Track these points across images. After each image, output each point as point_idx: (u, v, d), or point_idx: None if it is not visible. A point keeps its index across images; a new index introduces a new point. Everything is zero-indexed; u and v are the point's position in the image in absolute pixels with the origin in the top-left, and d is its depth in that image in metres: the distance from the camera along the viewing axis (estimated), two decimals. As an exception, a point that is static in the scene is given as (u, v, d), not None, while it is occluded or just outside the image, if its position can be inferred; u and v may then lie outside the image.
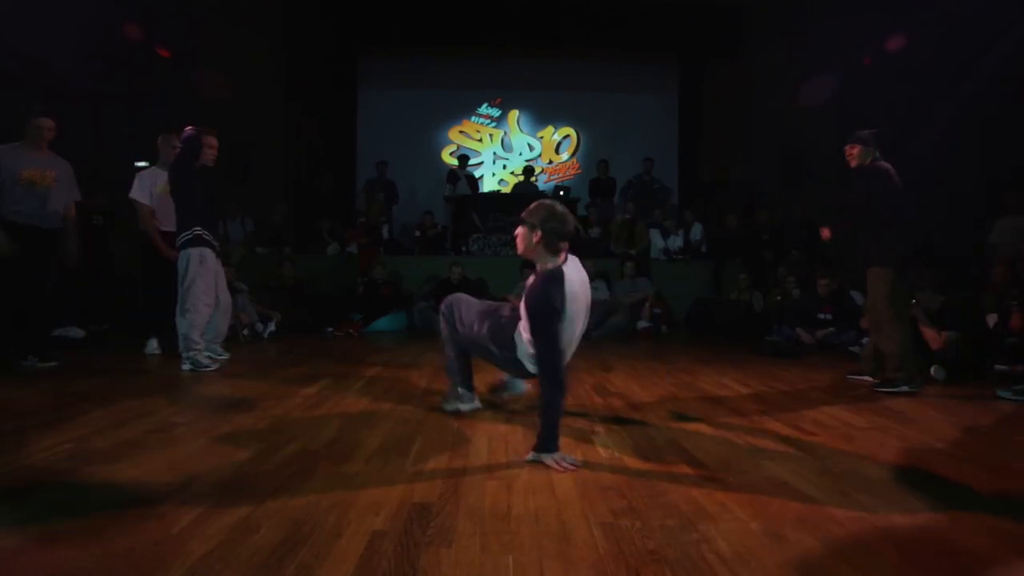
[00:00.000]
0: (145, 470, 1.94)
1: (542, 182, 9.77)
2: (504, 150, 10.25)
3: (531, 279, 2.36)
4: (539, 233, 2.27)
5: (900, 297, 3.52)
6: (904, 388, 3.39)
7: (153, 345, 4.65)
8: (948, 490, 1.86)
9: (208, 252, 4.05)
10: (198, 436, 2.34)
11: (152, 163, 4.62)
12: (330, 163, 9.39)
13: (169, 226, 4.25)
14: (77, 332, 5.24)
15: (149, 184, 4.45)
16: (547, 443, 2.06)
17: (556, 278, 2.22)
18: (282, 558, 1.35)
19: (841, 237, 3.86)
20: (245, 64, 8.00)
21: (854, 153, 3.65)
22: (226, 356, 4.38)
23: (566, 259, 2.34)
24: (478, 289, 7.00)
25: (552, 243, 2.28)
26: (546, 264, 2.30)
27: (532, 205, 2.35)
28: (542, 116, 10.21)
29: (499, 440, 2.35)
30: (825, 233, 3.84)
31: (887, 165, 3.55)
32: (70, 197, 4.11)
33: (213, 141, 4.09)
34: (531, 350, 2.35)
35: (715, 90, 9.66)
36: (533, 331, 2.22)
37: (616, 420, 2.72)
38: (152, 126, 4.70)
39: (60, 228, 4.04)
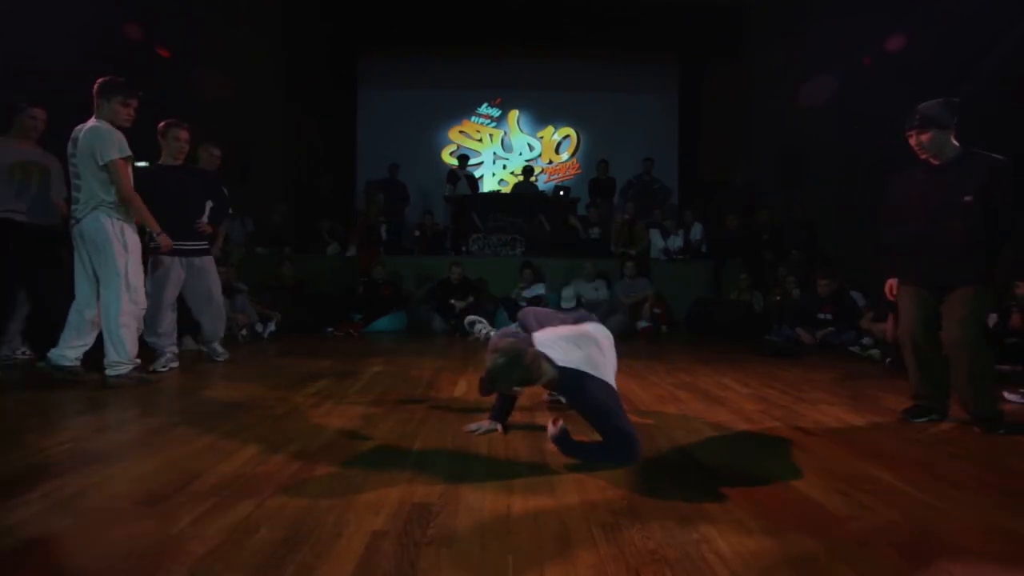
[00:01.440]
0: (145, 470, 1.94)
1: (542, 182, 9.78)
2: (504, 150, 10.25)
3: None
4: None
5: None
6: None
7: (189, 342, 4.79)
8: (948, 490, 1.86)
9: (164, 259, 3.88)
10: (198, 436, 2.33)
11: (150, 163, 4.65)
12: (330, 163, 9.39)
13: None
14: None
15: None
16: (567, 445, 2.02)
17: (577, 379, 2.10)
18: (282, 558, 1.35)
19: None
20: (245, 64, 7.99)
21: (924, 141, 2.76)
22: (225, 355, 4.39)
23: (569, 349, 2.17)
24: (478, 289, 7.01)
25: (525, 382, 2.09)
26: (552, 376, 2.13)
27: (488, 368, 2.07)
28: (542, 116, 10.21)
29: (499, 440, 2.35)
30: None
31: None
32: (59, 193, 4.02)
33: (181, 134, 3.95)
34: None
35: (715, 90, 9.66)
36: (600, 427, 2.09)
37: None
38: (152, 126, 4.71)
39: (48, 225, 3.97)
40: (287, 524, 1.53)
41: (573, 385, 2.11)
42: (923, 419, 2.85)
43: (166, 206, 3.78)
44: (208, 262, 4.16)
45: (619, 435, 2.03)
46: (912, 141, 2.82)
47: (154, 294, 3.89)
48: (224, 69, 7.34)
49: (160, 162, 4.00)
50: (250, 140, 8.08)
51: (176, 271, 3.98)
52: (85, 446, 2.20)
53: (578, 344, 2.22)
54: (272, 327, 6.05)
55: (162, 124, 3.97)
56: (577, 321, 2.53)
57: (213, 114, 6.72)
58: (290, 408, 2.86)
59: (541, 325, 2.49)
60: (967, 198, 2.66)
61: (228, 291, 5.92)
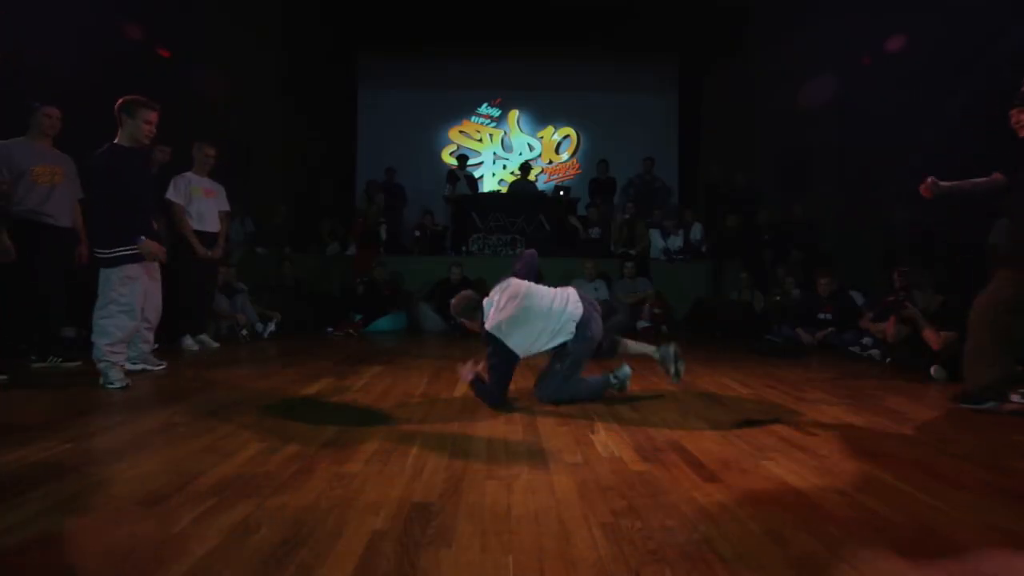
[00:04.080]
0: (145, 470, 1.94)
1: (542, 182, 9.79)
2: (504, 150, 10.26)
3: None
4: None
5: None
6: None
7: (188, 342, 4.81)
8: (948, 490, 1.86)
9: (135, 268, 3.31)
10: (198, 436, 2.33)
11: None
12: (330, 163, 9.41)
13: (202, 226, 4.75)
14: (69, 332, 5.22)
15: (184, 186, 4.66)
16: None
17: (491, 338, 2.91)
18: (282, 558, 1.35)
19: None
20: (245, 64, 8.00)
21: None
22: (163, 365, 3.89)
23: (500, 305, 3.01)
24: (478, 290, 7.01)
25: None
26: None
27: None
28: (542, 116, 10.22)
29: (499, 440, 2.35)
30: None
31: None
32: (76, 194, 4.01)
33: (152, 116, 3.34)
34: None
35: (716, 90, 9.67)
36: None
37: (616, 420, 2.72)
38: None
39: (70, 226, 3.98)
40: (287, 524, 1.53)
41: (489, 340, 2.92)
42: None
43: (132, 196, 3.28)
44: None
45: (483, 389, 2.92)
46: (1013, 120, 2.71)
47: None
48: (224, 69, 7.34)
49: (117, 142, 3.33)
50: (250, 140, 8.09)
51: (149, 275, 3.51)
52: (85, 446, 2.20)
53: (515, 314, 2.93)
54: (272, 327, 6.05)
55: (125, 99, 3.27)
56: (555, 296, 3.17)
57: (213, 114, 6.72)
58: (290, 408, 2.86)
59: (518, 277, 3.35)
60: None
61: (228, 291, 5.93)
